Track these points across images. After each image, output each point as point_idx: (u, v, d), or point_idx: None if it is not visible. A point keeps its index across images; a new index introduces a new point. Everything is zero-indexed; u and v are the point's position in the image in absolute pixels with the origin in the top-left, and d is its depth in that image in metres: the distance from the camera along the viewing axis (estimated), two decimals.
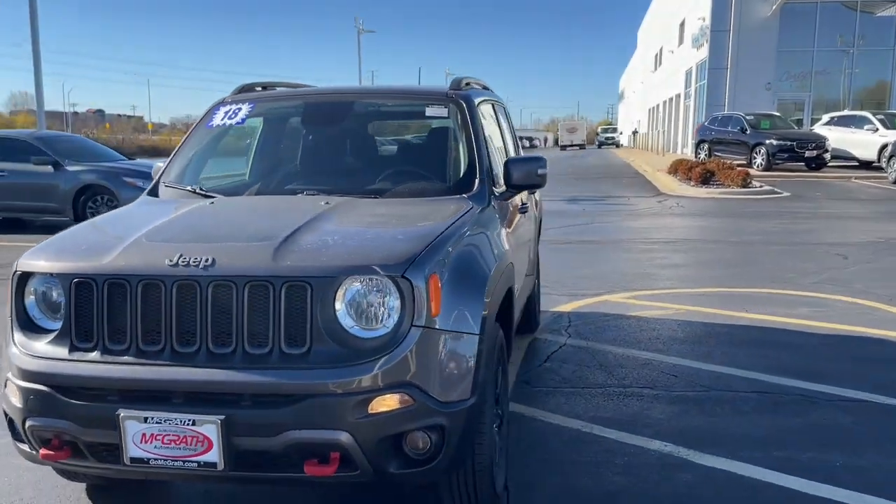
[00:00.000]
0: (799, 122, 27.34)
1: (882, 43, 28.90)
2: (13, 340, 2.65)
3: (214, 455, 2.38)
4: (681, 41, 38.88)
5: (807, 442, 3.66)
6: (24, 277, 2.68)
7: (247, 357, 2.43)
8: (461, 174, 3.54)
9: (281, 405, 2.38)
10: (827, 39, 29.10)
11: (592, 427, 3.89)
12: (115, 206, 11.41)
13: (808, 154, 22.37)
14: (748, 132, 23.47)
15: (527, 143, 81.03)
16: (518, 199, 4.29)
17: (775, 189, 17.18)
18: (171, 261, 2.49)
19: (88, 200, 11.58)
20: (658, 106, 49.72)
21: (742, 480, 3.28)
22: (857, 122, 23.50)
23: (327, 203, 3.10)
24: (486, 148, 3.69)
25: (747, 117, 23.97)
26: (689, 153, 31.21)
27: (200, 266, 2.46)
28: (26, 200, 11.89)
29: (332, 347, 2.43)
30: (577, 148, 69.04)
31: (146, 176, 11.72)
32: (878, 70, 29.49)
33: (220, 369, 2.40)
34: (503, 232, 3.49)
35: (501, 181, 3.73)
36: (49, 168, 11.68)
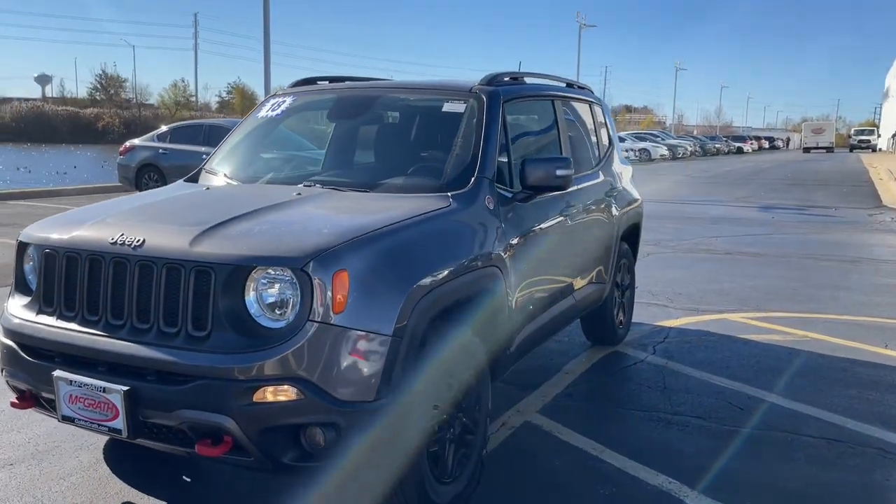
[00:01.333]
0: None
1: None
2: (8, 300, 3.02)
3: (119, 423, 2.55)
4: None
5: None
6: (23, 246, 3.04)
7: (160, 335, 2.56)
8: (458, 172, 3.39)
9: (176, 383, 2.48)
10: None
11: (603, 451, 3.56)
12: None
13: None
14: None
15: (766, 144, 74.85)
16: (564, 200, 4.03)
17: None
18: (112, 239, 2.69)
19: None
20: None
21: None
22: None
23: (298, 194, 3.15)
24: (501, 146, 3.51)
25: None
26: None
27: (132, 246, 2.64)
28: None
29: (232, 334, 2.48)
30: (823, 151, 62.58)
31: None
32: None
33: (134, 343, 2.56)
34: (498, 234, 3.29)
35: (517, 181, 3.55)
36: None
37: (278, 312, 2.50)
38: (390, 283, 2.63)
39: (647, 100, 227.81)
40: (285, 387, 2.42)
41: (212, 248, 2.56)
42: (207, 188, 3.51)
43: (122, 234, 2.69)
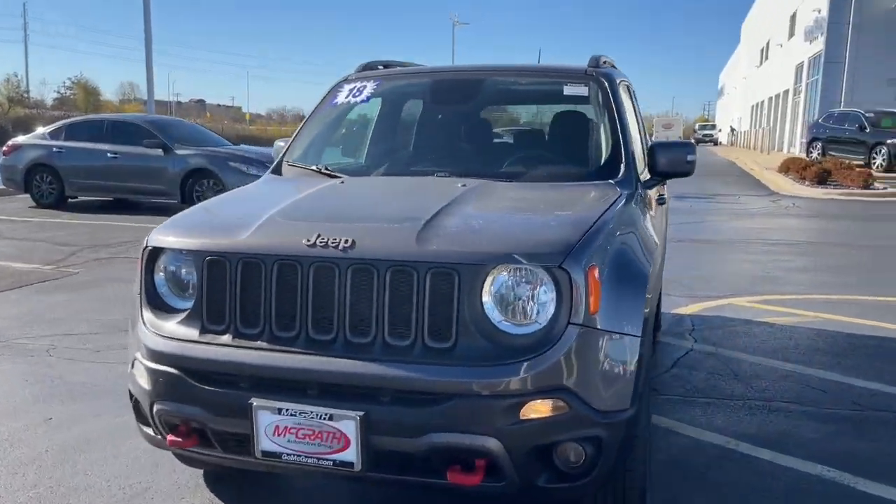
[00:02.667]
0: None
1: None
2: (142, 319, 2.52)
3: (351, 454, 2.18)
4: (791, 34, 36.93)
5: None
6: (155, 253, 2.55)
7: (387, 349, 2.21)
8: (605, 158, 3.23)
9: (424, 404, 2.14)
10: None
11: (738, 444, 3.50)
12: (222, 190, 11.62)
13: None
14: (867, 130, 21.92)
15: None
16: (656, 189, 3.94)
17: None
18: (308, 240, 2.29)
19: (195, 184, 11.82)
20: (763, 102, 47.50)
21: None
22: None
23: (464, 185, 2.85)
24: (630, 130, 3.37)
25: (867, 115, 22.37)
26: (796, 152, 29.64)
27: (339, 247, 2.25)
28: (136, 182, 12.27)
29: (479, 343, 2.18)
30: None
31: (251, 161, 11.91)
32: None
33: (359, 361, 2.19)
34: (649, 223, 3.16)
35: (644, 168, 3.41)
36: (159, 151, 12.00)
37: (524, 316, 2.22)
38: (631, 279, 2.42)
39: None
40: (552, 400, 2.15)
41: (447, 246, 2.24)
42: (342, 182, 3.10)
43: (320, 235, 2.30)
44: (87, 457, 3.37)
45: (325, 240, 2.28)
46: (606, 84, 3.45)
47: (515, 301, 2.22)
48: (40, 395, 4.16)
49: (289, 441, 2.23)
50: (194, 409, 2.34)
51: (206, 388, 2.31)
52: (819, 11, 29.68)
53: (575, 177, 3.14)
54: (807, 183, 17.00)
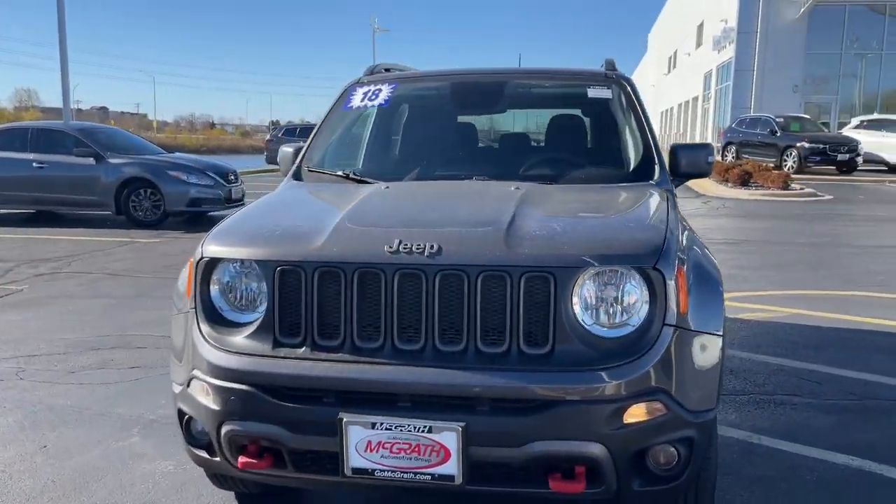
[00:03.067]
0: (826, 126, 26.98)
1: None
2: (200, 334, 2.36)
3: (452, 467, 2.09)
4: (699, 43, 38.54)
5: None
6: (210, 265, 2.39)
7: (480, 357, 2.14)
8: (638, 160, 3.25)
9: (527, 412, 2.08)
10: (855, 42, 28.81)
11: (760, 438, 3.59)
12: (160, 201, 11.14)
13: (840, 157, 22.07)
14: (778, 134, 23.15)
15: None
16: None
17: (816, 192, 16.86)
18: (390, 247, 2.20)
19: (131, 194, 11.28)
20: (672, 109, 49.39)
21: None
22: (889, 127, 23.23)
23: (517, 188, 2.80)
24: (655, 132, 3.41)
25: (777, 119, 23.66)
26: None
27: (425, 253, 2.17)
28: (66, 193, 11.60)
29: (575, 347, 2.14)
30: None
31: (191, 170, 11.49)
32: None
33: (455, 370, 2.11)
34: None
35: None
36: (91, 160, 11.39)
37: (615, 318, 2.20)
38: (707, 276, 2.44)
39: None
40: (652, 402, 2.14)
41: (540, 249, 2.19)
42: (387, 187, 2.98)
43: (402, 242, 2.21)
44: (101, 485, 3.13)
45: (409, 246, 2.19)
46: (628, 87, 3.48)
47: (606, 304, 2.19)
48: (25, 421, 3.84)
49: (382, 457, 2.12)
50: (272, 428, 2.20)
51: (287, 405, 2.18)
52: (726, 22, 31.10)
53: (613, 178, 3.15)
54: (730, 185, 17.72)
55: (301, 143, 3.61)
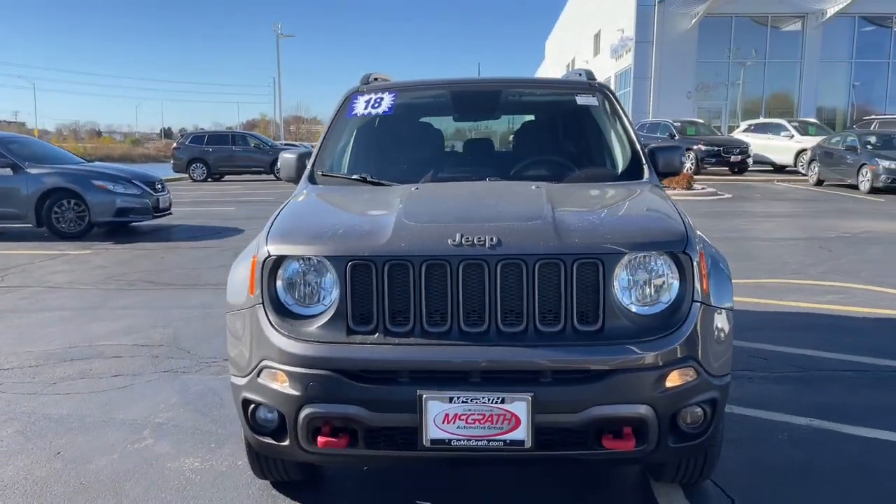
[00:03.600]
0: (718, 129, 28.84)
1: (790, 56, 30.96)
2: (271, 326, 2.52)
3: (522, 433, 2.35)
4: (596, 51, 40.24)
5: None
6: (277, 262, 2.56)
7: (539, 335, 2.41)
8: (628, 161, 3.61)
9: (586, 381, 2.37)
10: (741, 51, 30.95)
11: (731, 407, 4.00)
12: (84, 212, 10.79)
13: (733, 159, 23.71)
14: (676, 138, 24.56)
15: None
16: None
17: (717, 191, 18.06)
18: (454, 241, 2.44)
19: (53, 205, 10.86)
20: None
21: None
22: (774, 129, 25.12)
23: (537, 187, 3.09)
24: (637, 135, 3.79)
25: (675, 124, 25.11)
26: None
27: (487, 245, 2.43)
28: None
29: (621, 324, 2.45)
30: None
31: (116, 179, 11.20)
32: (787, 80, 31.57)
33: (522, 347, 2.38)
34: None
35: None
36: (8, 171, 10.89)
37: (649, 296, 2.52)
38: (718, 259, 2.80)
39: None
40: (685, 369, 2.47)
41: (588, 238, 2.48)
42: (417, 188, 3.19)
43: (464, 236, 2.46)
44: (133, 484, 3.20)
45: (471, 239, 2.44)
46: (611, 95, 3.85)
47: (644, 285, 2.51)
48: (26, 431, 3.81)
49: (458, 427, 2.36)
50: (352, 409, 2.39)
51: (367, 386, 2.38)
52: (623, 31, 32.73)
53: (609, 177, 3.50)
54: None
55: (304, 149, 3.77)
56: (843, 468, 3.32)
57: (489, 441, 2.37)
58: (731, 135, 26.68)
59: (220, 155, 26.38)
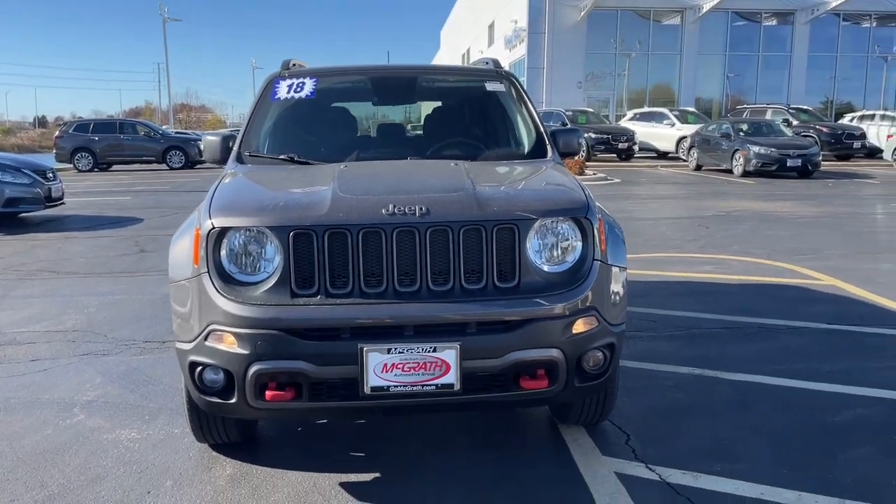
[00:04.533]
0: (606, 118, 30.22)
1: (670, 48, 32.76)
2: (217, 292, 2.72)
3: (452, 377, 2.68)
4: (491, 42, 41.12)
5: (795, 358, 4.56)
6: (221, 234, 2.77)
7: (465, 292, 2.75)
8: (533, 142, 4.00)
9: (506, 330, 2.73)
10: (626, 44, 32.48)
11: (623, 362, 4.51)
12: None
13: (620, 146, 24.97)
14: (569, 126, 25.60)
15: None
16: None
17: (607, 176, 19.06)
18: (387, 210, 2.73)
19: None
20: None
21: (773, 388, 4.08)
22: (657, 118, 26.61)
23: (456, 164, 3.42)
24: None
25: (567, 113, 26.13)
26: None
27: (417, 214, 2.73)
28: None
29: (534, 280, 2.82)
30: None
31: (5, 168, 10.78)
32: (668, 72, 33.40)
33: (450, 303, 2.70)
34: None
35: None
36: None
37: (558, 257, 2.90)
38: (613, 225, 3.22)
39: (217, 98, 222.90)
40: (589, 317, 2.87)
41: (505, 206, 2.83)
42: (345, 166, 3.44)
43: (396, 206, 2.75)
44: (73, 454, 3.31)
45: (403, 209, 2.74)
46: (517, 82, 4.23)
47: (552, 246, 2.89)
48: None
49: (396, 375, 2.66)
50: (298, 364, 2.65)
51: (311, 342, 2.64)
52: (516, 22, 33.65)
53: (517, 156, 3.87)
54: None
55: (227, 132, 3.95)
56: (719, 404, 3.85)
57: (423, 386, 2.68)
58: (619, 123, 28.03)
59: (107, 144, 25.32)
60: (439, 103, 4.39)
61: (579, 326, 2.84)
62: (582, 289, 2.85)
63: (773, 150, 18.52)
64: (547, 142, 3.98)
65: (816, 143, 21.24)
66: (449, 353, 2.66)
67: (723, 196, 14.53)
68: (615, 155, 25.20)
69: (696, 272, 7.17)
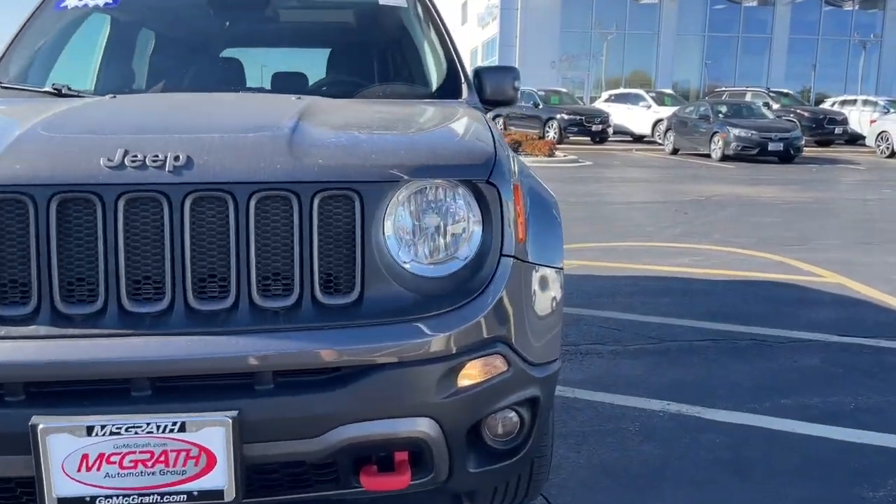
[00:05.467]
0: (581, 99, 28.98)
1: (647, 27, 31.62)
2: None
3: (220, 477, 1.43)
4: (464, 20, 39.69)
5: (805, 387, 3.37)
6: None
7: (257, 314, 1.49)
8: (443, 77, 2.74)
9: (328, 386, 1.48)
10: (603, 22, 31.26)
11: (575, 391, 3.30)
12: None
13: (594, 128, 23.70)
14: (541, 107, 24.37)
15: None
16: None
17: (578, 159, 17.86)
18: (110, 160, 1.47)
19: None
20: None
21: (781, 437, 2.88)
22: (633, 100, 25.46)
23: (299, 99, 2.15)
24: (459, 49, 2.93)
25: (539, 93, 24.88)
26: None
27: (167, 168, 1.47)
28: None
29: (391, 291, 1.57)
30: None
31: None
32: (645, 53, 32.27)
33: (221, 336, 1.44)
34: None
35: None
36: None
37: (443, 250, 1.66)
38: (543, 200, 1.98)
39: None
40: (489, 357, 1.63)
41: (340, 158, 1.58)
42: (114, 97, 2.15)
43: (128, 152, 1.48)
44: None
45: (141, 158, 1.47)
46: None
47: (429, 231, 1.64)
48: None
49: (107, 476, 1.40)
50: None
51: None
52: None
53: (415, 95, 2.62)
54: None
55: None
56: (703, 465, 2.64)
57: (162, 495, 1.42)
58: (593, 105, 26.84)
59: None
60: (309, 21, 3.11)
61: (472, 374, 1.60)
62: (476, 307, 1.60)
63: (753, 132, 17.42)
64: (463, 79, 2.72)
65: (798, 126, 20.20)
66: (212, 434, 1.41)
67: (701, 180, 13.39)
68: (588, 137, 23.93)
69: (672, 265, 5.98)
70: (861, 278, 5.53)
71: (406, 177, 1.58)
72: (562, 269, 1.88)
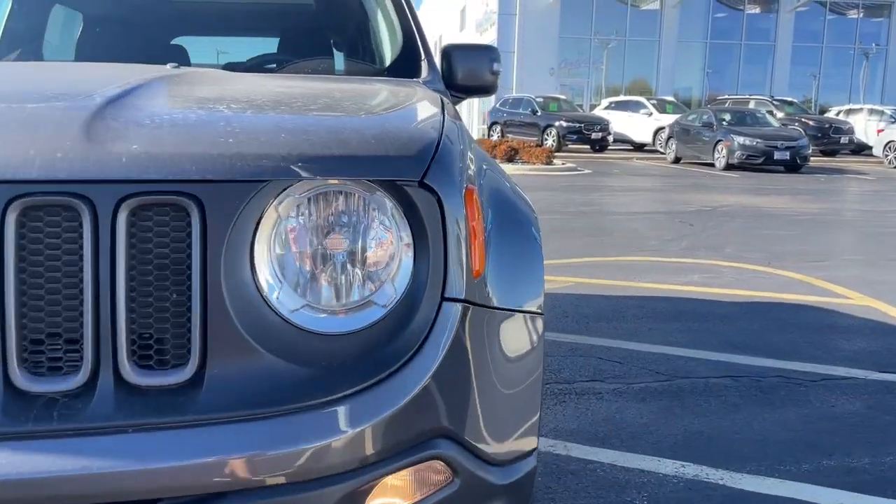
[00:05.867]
0: (580, 107, 28.43)
1: (649, 34, 31.10)
2: None
3: None
4: (462, 27, 39.19)
5: (852, 445, 2.75)
6: None
7: (21, 403, 0.88)
8: (397, 53, 2.15)
9: None
10: (603, 29, 30.74)
11: (568, 447, 2.68)
12: None
13: (594, 136, 23.17)
14: (539, 114, 23.86)
15: None
16: None
17: (577, 167, 17.29)
18: None
19: None
20: None
21: None
22: (634, 107, 24.93)
23: (176, 66, 1.54)
24: (420, 23, 2.33)
25: (537, 100, 24.37)
26: (475, 135, 31.49)
27: None
28: None
29: (255, 362, 0.96)
30: None
31: None
32: (646, 60, 31.74)
33: None
34: None
35: None
36: None
37: (352, 292, 1.05)
38: (518, 215, 1.37)
39: None
40: (427, 463, 1.02)
41: (173, 146, 0.97)
42: None
43: None
44: None
45: None
46: None
47: (329, 262, 1.03)
48: None
49: None
50: None
51: None
52: (487, 5, 31.74)
53: (357, 72, 2.02)
54: (497, 161, 17.65)
55: None
56: None
57: None
58: (592, 112, 26.30)
59: None
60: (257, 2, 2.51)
61: (395, 493, 0.99)
62: (404, 383, 1.00)
63: (759, 141, 16.86)
64: (422, 55, 2.12)
65: (804, 135, 19.62)
66: None
67: (706, 189, 12.80)
68: (588, 146, 23.41)
69: (680, 283, 5.37)
70: (892, 300, 4.93)
71: (288, 175, 0.97)
72: (541, 314, 1.28)
